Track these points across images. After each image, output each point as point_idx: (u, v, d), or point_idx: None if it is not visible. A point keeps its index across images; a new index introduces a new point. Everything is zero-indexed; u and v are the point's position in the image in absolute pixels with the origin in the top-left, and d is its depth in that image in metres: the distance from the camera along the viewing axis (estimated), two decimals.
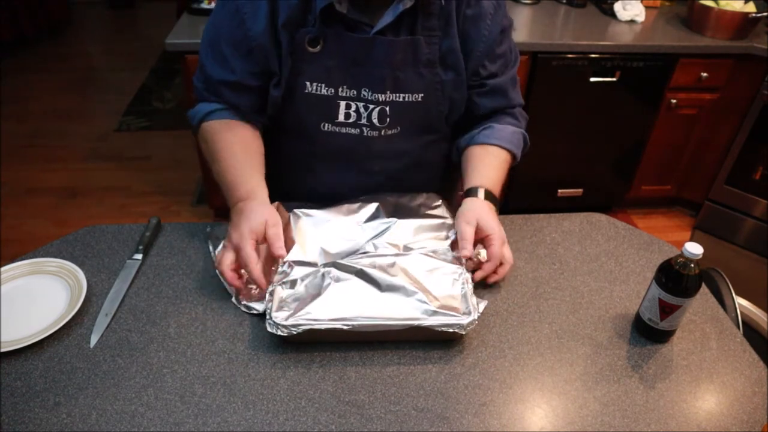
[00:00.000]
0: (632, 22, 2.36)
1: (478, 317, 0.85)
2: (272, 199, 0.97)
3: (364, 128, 1.03)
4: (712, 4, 2.26)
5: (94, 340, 0.85)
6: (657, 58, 2.22)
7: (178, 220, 1.74)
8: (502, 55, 1.05)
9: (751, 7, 2.25)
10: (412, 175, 1.11)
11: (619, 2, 2.37)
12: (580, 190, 2.61)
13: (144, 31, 4.65)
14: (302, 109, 1.02)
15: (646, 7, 2.43)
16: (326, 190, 1.08)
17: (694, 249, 0.81)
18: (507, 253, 0.97)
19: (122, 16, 4.88)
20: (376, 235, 0.98)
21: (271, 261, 0.95)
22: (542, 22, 2.33)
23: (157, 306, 0.92)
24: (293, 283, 0.89)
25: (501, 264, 0.96)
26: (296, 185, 1.11)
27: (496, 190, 1.03)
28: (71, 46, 4.31)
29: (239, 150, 1.01)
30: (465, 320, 0.83)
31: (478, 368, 0.84)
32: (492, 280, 0.97)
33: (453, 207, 1.05)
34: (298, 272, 0.91)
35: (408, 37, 0.96)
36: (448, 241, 0.98)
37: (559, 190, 2.61)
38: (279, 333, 0.81)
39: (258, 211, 0.92)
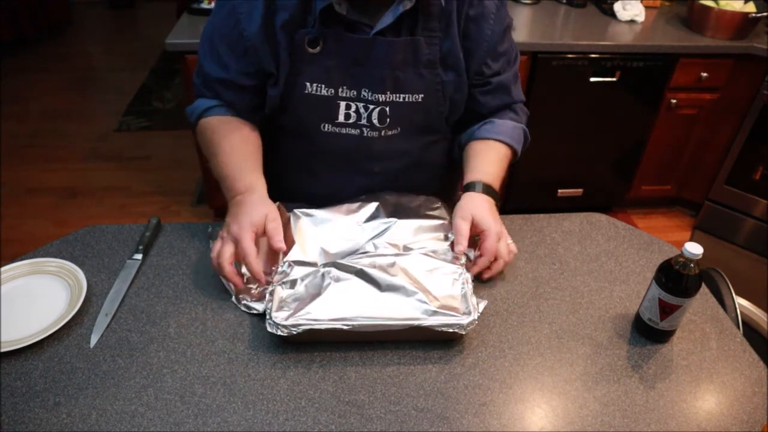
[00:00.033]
0: (632, 22, 2.36)
1: (478, 317, 0.85)
2: (272, 200, 0.97)
3: (364, 129, 1.03)
4: (712, 4, 2.26)
5: (94, 340, 0.85)
6: (657, 58, 2.22)
7: (178, 220, 1.74)
8: (504, 53, 1.05)
9: (751, 7, 2.25)
10: (412, 176, 1.11)
11: (619, 2, 2.37)
12: (580, 190, 2.61)
13: (144, 31, 4.65)
14: (302, 109, 1.02)
15: (646, 7, 2.43)
16: (326, 190, 1.08)
17: (694, 249, 0.81)
18: (503, 248, 0.97)
19: (122, 16, 4.88)
20: (376, 235, 0.98)
21: (271, 259, 0.95)
22: (542, 22, 2.33)
23: (157, 306, 0.92)
24: (293, 283, 0.89)
25: (495, 259, 0.96)
26: (296, 186, 1.12)
27: (496, 184, 1.04)
28: (71, 46, 4.31)
29: (238, 145, 1.01)
30: (465, 320, 0.83)
31: (478, 368, 0.84)
32: (486, 276, 0.97)
33: (453, 208, 1.04)
34: (298, 272, 0.91)
35: (408, 38, 0.96)
36: (448, 242, 0.98)
37: (559, 190, 2.61)
38: (279, 333, 0.81)
39: (258, 205, 0.93)
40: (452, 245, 0.97)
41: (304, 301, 0.86)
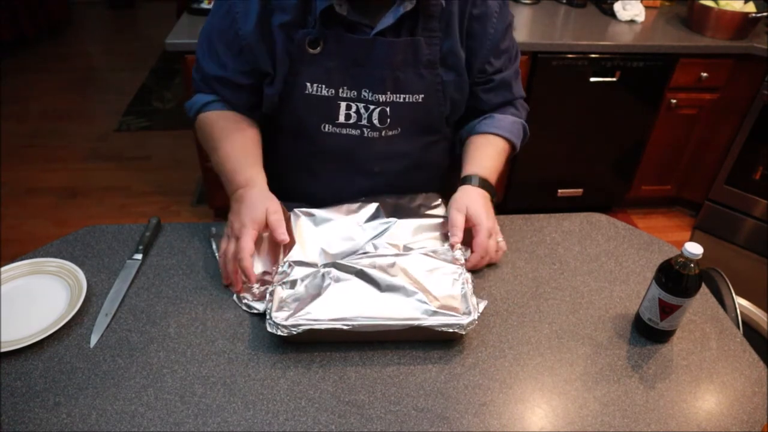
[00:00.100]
0: (632, 22, 2.36)
1: (478, 317, 0.85)
2: None
3: (364, 129, 1.03)
4: (712, 4, 2.26)
5: (94, 340, 0.85)
6: (657, 58, 2.22)
7: (178, 220, 1.74)
8: (506, 50, 1.06)
9: (751, 7, 2.25)
10: (412, 176, 1.11)
11: (619, 2, 2.37)
12: (580, 190, 2.61)
13: (144, 31, 4.65)
14: (302, 109, 1.02)
15: (646, 7, 2.43)
16: (326, 190, 1.08)
17: (694, 249, 0.81)
18: (492, 245, 0.97)
19: (122, 16, 4.88)
20: (376, 236, 0.98)
21: (273, 255, 0.95)
22: (542, 22, 2.33)
23: (157, 306, 0.92)
24: (293, 283, 0.89)
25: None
26: (296, 186, 1.12)
27: (493, 178, 1.05)
28: (71, 46, 4.31)
29: (237, 139, 1.02)
30: (465, 320, 0.83)
31: (478, 368, 0.84)
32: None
33: None
34: (298, 272, 0.91)
35: (408, 38, 0.96)
36: (448, 242, 0.98)
37: (559, 190, 2.61)
38: (279, 333, 0.81)
39: (259, 199, 0.93)
40: (452, 245, 0.97)
41: (304, 302, 0.86)
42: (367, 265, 0.91)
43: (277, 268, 0.92)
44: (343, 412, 0.77)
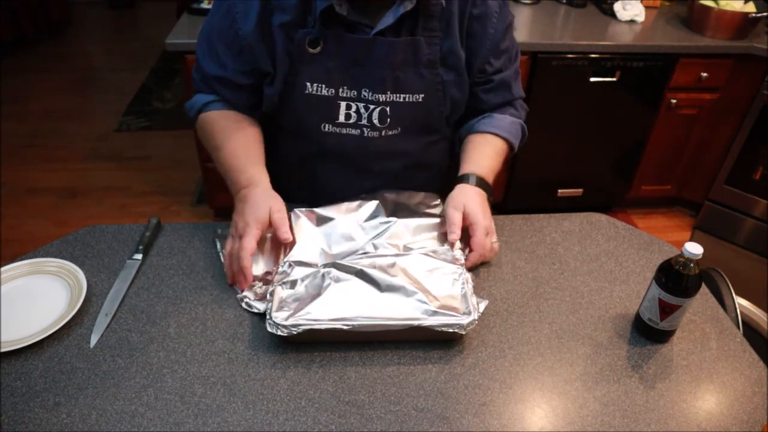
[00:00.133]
0: (632, 22, 2.36)
1: (479, 317, 0.85)
2: None
3: (364, 129, 1.03)
4: (712, 4, 2.26)
5: (94, 340, 0.85)
6: (657, 58, 2.22)
7: (178, 220, 1.74)
8: (506, 50, 1.06)
9: (751, 7, 2.25)
10: (412, 176, 1.11)
11: (619, 2, 2.37)
12: (580, 190, 2.61)
13: (144, 31, 4.65)
14: (302, 109, 1.02)
15: (646, 7, 2.43)
16: (326, 190, 1.08)
17: (694, 249, 0.81)
18: (487, 244, 0.98)
19: (122, 16, 4.88)
20: (376, 235, 0.98)
21: (275, 255, 0.95)
22: (542, 22, 2.33)
23: (157, 306, 0.92)
24: (293, 284, 0.89)
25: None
26: (296, 186, 1.12)
27: (490, 178, 1.05)
28: (71, 46, 4.31)
29: (239, 138, 1.02)
30: (465, 320, 0.83)
31: (478, 368, 0.84)
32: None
33: None
34: (298, 272, 0.91)
35: (408, 38, 0.96)
36: (448, 241, 0.98)
37: (559, 190, 2.61)
38: (279, 333, 0.81)
39: (262, 198, 0.94)
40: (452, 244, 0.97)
41: (304, 302, 0.86)
42: (367, 265, 0.91)
43: (278, 268, 0.92)
44: (343, 412, 0.77)
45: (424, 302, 0.86)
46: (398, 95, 1.01)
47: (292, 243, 0.95)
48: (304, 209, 1.02)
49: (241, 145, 1.01)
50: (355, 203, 1.03)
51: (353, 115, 1.02)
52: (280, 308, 0.85)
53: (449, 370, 0.84)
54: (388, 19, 0.93)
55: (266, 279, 0.93)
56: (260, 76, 1.01)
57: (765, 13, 2.21)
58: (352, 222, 1.00)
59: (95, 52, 4.29)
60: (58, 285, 0.93)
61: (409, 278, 0.90)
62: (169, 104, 3.56)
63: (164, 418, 0.76)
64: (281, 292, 0.88)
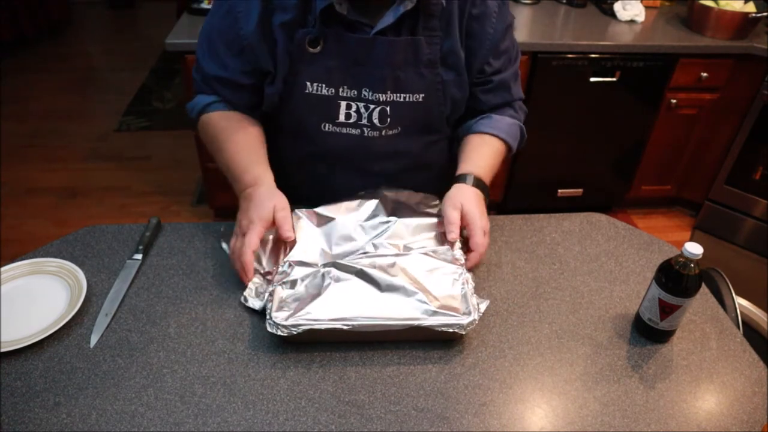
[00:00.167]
0: (632, 22, 2.36)
1: (479, 317, 0.85)
2: None
3: (364, 128, 1.03)
4: (712, 4, 2.26)
5: (94, 340, 0.85)
6: (657, 58, 2.22)
7: (178, 220, 1.74)
8: (505, 51, 1.06)
9: (751, 7, 2.25)
10: (412, 176, 1.11)
11: (619, 2, 2.37)
12: (580, 190, 2.61)
13: (144, 31, 4.65)
14: (302, 109, 1.02)
15: (646, 7, 2.43)
16: (326, 190, 1.08)
17: (694, 249, 0.81)
18: (485, 243, 0.98)
19: (122, 16, 4.88)
20: (376, 235, 0.98)
21: (276, 253, 0.95)
22: (542, 22, 2.33)
23: (157, 306, 0.92)
24: (293, 283, 0.89)
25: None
26: (296, 185, 1.12)
27: (487, 178, 1.05)
28: (71, 46, 4.31)
29: (242, 138, 1.02)
30: (465, 320, 0.83)
31: (478, 368, 0.84)
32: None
33: None
34: (298, 272, 0.91)
35: (408, 38, 0.96)
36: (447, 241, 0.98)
37: (559, 190, 2.61)
38: (279, 333, 0.81)
39: (266, 196, 0.94)
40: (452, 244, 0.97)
41: (304, 302, 0.86)
42: (367, 265, 0.91)
43: (278, 268, 0.92)
44: (343, 412, 0.77)
45: (424, 302, 0.86)
46: (398, 95, 1.01)
47: (293, 243, 0.95)
48: (304, 209, 1.02)
49: (244, 145, 1.01)
50: (355, 202, 1.03)
51: (353, 114, 1.02)
52: (280, 308, 0.85)
53: (449, 370, 0.84)
54: (388, 19, 0.93)
55: (267, 279, 0.93)
56: (261, 75, 1.01)
57: (765, 13, 2.21)
58: (352, 222, 1.00)
59: (95, 52, 4.29)
60: (58, 285, 0.93)
61: (409, 278, 0.90)
62: (169, 104, 3.56)
63: (164, 418, 0.76)
64: (281, 292, 0.88)
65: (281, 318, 0.83)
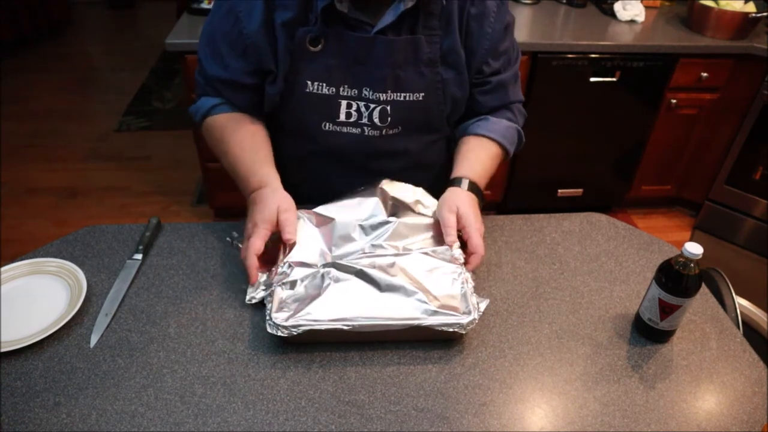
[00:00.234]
0: (632, 22, 2.36)
1: (479, 317, 0.85)
2: None
3: (365, 128, 1.03)
4: (712, 4, 2.26)
5: (94, 340, 0.85)
6: (657, 58, 2.22)
7: (178, 220, 1.74)
8: (504, 52, 1.05)
9: (751, 7, 2.25)
10: (412, 175, 1.11)
11: (619, 2, 2.37)
12: (580, 190, 2.61)
13: (144, 31, 4.65)
14: (303, 108, 1.02)
15: (646, 7, 2.43)
16: (326, 189, 1.08)
17: (694, 249, 0.81)
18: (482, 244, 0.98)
19: (122, 16, 4.88)
20: (375, 236, 0.98)
21: (277, 254, 0.95)
22: (542, 22, 2.33)
23: (157, 306, 0.92)
24: (293, 284, 0.89)
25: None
26: (296, 184, 1.11)
27: (482, 182, 1.04)
28: (71, 46, 4.31)
29: (247, 141, 1.02)
30: (465, 320, 0.83)
31: (478, 368, 0.84)
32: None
33: None
34: (297, 273, 0.91)
35: (409, 37, 0.96)
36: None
37: (559, 190, 2.61)
38: (279, 334, 0.81)
39: (270, 198, 0.94)
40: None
41: (304, 302, 0.86)
42: (367, 265, 0.91)
43: (277, 268, 0.92)
44: (343, 412, 0.77)
45: (424, 302, 0.86)
46: (399, 94, 1.01)
47: (292, 243, 0.95)
48: (304, 209, 1.02)
49: (249, 148, 1.01)
50: (355, 200, 1.03)
51: (354, 113, 1.02)
52: (280, 309, 0.85)
53: (449, 370, 0.84)
54: (388, 18, 0.93)
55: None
56: (263, 75, 1.01)
57: (765, 13, 2.21)
58: (351, 222, 1.00)
59: (95, 52, 4.29)
60: (58, 285, 0.93)
61: (408, 278, 0.90)
62: (169, 104, 3.56)
63: (164, 418, 0.76)
64: (281, 293, 0.88)
65: (281, 319, 0.83)
